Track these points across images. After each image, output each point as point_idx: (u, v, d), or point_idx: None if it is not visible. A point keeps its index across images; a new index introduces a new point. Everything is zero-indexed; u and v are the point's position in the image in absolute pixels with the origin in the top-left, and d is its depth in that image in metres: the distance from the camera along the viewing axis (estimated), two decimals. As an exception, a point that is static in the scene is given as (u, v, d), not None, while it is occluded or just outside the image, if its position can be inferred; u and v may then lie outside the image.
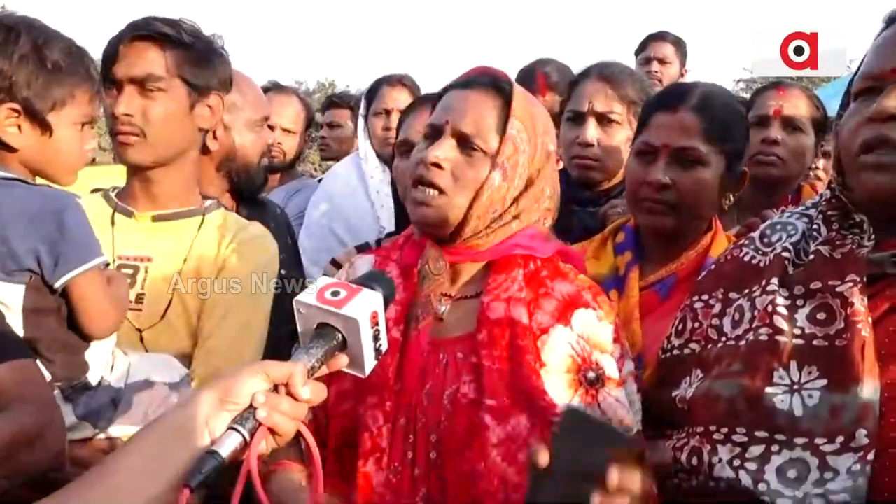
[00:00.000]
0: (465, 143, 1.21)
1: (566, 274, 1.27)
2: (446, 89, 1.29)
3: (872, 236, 1.07)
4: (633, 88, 1.96)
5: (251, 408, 0.85)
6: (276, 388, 0.88)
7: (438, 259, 1.23)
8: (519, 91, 1.23)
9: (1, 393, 1.18)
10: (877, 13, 1.13)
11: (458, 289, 1.25)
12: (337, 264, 1.85)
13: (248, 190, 2.00)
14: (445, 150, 1.20)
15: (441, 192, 1.20)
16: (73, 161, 1.42)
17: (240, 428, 0.84)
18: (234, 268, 1.62)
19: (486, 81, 1.24)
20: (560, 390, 1.15)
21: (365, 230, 2.43)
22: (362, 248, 1.89)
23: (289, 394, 0.88)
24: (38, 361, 1.30)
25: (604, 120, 1.93)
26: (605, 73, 1.97)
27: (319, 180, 3.24)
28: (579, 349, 1.18)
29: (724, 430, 1.07)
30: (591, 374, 1.17)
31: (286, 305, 1.79)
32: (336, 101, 3.68)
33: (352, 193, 2.54)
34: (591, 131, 1.93)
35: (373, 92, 2.73)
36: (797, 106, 2.22)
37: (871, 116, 1.05)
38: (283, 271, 1.96)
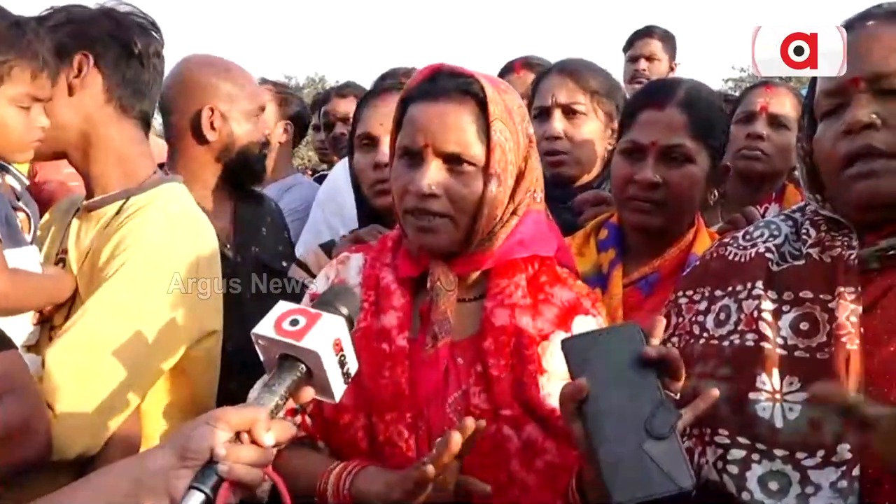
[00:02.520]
0: (451, 161, 1.16)
1: (565, 280, 1.26)
2: (408, 99, 1.22)
3: (854, 241, 1.08)
4: (596, 80, 1.96)
5: (212, 462, 0.82)
6: (238, 436, 0.84)
7: (448, 273, 1.21)
8: (489, 88, 1.18)
9: None
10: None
11: (459, 292, 1.23)
12: (302, 265, 1.84)
13: (247, 179, 1.99)
14: (434, 175, 1.16)
15: (443, 217, 1.17)
16: (17, 138, 1.37)
17: (201, 486, 0.80)
18: (113, 263, 1.38)
19: (453, 86, 1.18)
20: None
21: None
22: (327, 246, 1.87)
23: (252, 441, 0.84)
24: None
25: (569, 112, 1.93)
26: (566, 67, 1.99)
27: (318, 178, 3.24)
28: None
29: (708, 430, 1.08)
30: None
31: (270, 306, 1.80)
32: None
33: (349, 190, 2.52)
34: (557, 124, 1.93)
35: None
36: (783, 104, 2.27)
37: (846, 129, 1.06)
38: (284, 263, 1.97)
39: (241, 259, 1.91)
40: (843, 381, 0.99)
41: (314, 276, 1.71)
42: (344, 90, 3.29)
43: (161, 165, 1.96)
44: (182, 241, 1.48)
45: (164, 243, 1.44)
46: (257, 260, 1.94)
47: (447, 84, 1.18)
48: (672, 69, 3.55)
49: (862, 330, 1.02)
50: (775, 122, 2.25)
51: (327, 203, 2.50)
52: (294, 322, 0.91)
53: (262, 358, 0.95)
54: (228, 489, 0.82)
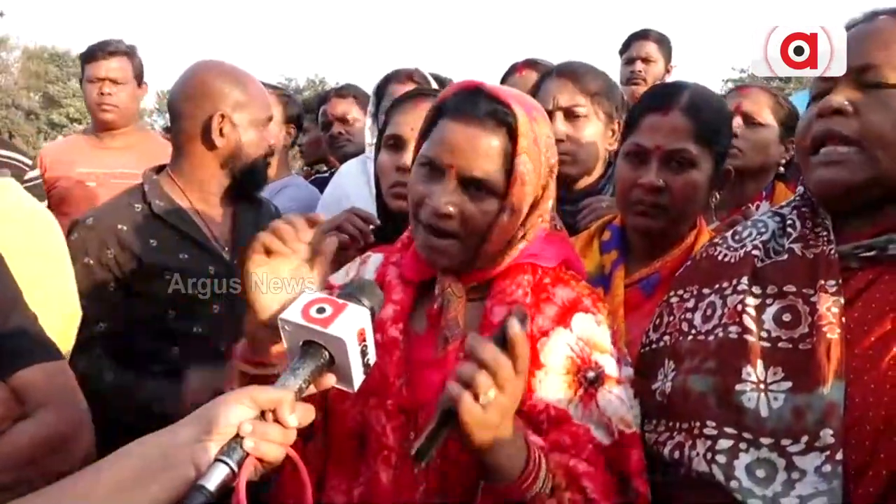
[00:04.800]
0: (471, 185, 1.17)
1: (567, 280, 1.26)
2: (441, 111, 1.22)
3: (832, 236, 1.10)
4: (595, 81, 1.98)
5: (238, 437, 0.84)
6: (262, 415, 0.87)
7: (457, 282, 1.22)
8: (522, 119, 1.17)
9: (31, 396, 1.19)
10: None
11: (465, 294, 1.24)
12: None
13: (249, 187, 2.02)
14: (452, 196, 1.17)
15: (452, 237, 1.18)
16: None
17: (227, 459, 0.82)
18: None
19: (487, 111, 1.17)
20: (559, 392, 1.14)
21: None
22: None
23: (276, 420, 0.87)
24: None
25: (570, 115, 1.95)
26: (566, 70, 2.00)
27: (315, 180, 3.21)
28: (578, 350, 1.17)
29: (697, 423, 1.10)
30: (591, 374, 1.16)
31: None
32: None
33: (357, 193, 2.48)
34: (559, 126, 1.94)
35: (382, 89, 2.70)
36: (757, 102, 2.36)
37: (818, 112, 1.09)
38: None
39: (237, 262, 1.92)
40: (825, 369, 1.01)
41: None
42: (343, 91, 3.29)
43: (163, 167, 1.99)
44: (34, 225, 1.60)
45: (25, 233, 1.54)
46: None
47: (483, 107, 1.17)
48: (668, 71, 3.59)
49: (843, 320, 1.04)
50: (749, 120, 2.34)
51: (331, 205, 2.46)
52: (321, 310, 0.94)
53: (285, 344, 0.97)
54: (251, 463, 0.84)
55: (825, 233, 1.12)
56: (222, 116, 1.88)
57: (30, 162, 2.17)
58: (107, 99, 3.04)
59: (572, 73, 1.98)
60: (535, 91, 2.06)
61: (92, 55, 3.08)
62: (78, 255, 1.82)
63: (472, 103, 1.18)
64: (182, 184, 1.95)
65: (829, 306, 1.05)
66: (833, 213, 1.13)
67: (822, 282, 1.07)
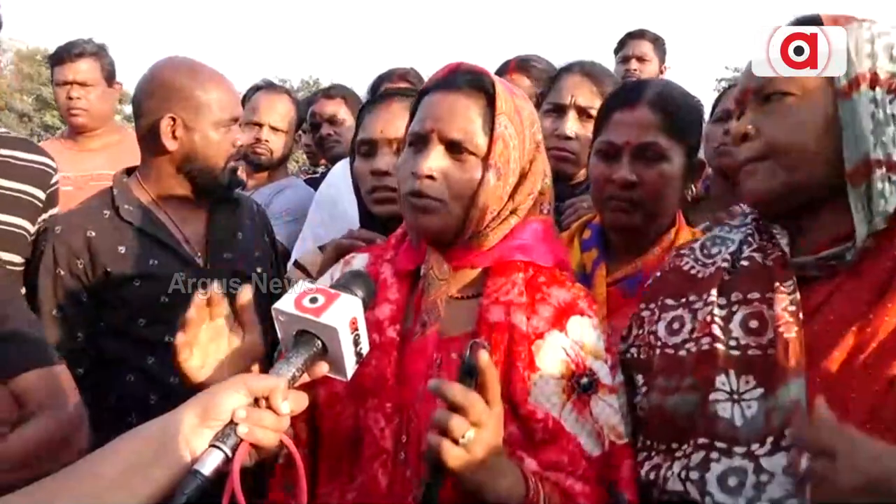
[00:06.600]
0: (454, 149, 1.19)
1: (562, 281, 1.25)
2: (423, 92, 1.26)
3: (787, 243, 1.13)
4: (612, 87, 1.96)
5: (232, 423, 0.86)
6: (256, 402, 0.89)
7: (442, 264, 1.22)
8: (501, 85, 1.21)
9: (29, 400, 1.20)
10: (876, 13, 1.16)
11: (457, 289, 1.24)
12: (300, 266, 1.82)
13: (212, 191, 1.93)
14: (436, 160, 1.18)
15: (438, 201, 1.18)
16: None
17: (221, 445, 0.84)
18: None
19: (466, 80, 1.21)
20: (553, 396, 1.14)
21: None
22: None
23: (269, 407, 0.89)
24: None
25: (584, 115, 1.96)
26: (588, 69, 2.02)
27: (308, 180, 3.19)
28: (573, 355, 1.16)
29: (676, 445, 1.09)
30: (585, 380, 1.15)
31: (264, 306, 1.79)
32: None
33: (350, 195, 2.51)
34: (572, 125, 1.95)
35: (376, 88, 2.68)
36: None
37: (731, 140, 1.16)
38: (259, 269, 1.96)
39: (210, 267, 1.88)
40: (785, 368, 1.02)
41: (311, 277, 1.70)
42: (331, 91, 3.26)
43: (132, 169, 1.95)
44: None
45: None
46: (230, 267, 1.90)
47: (461, 78, 1.22)
48: (661, 72, 3.60)
49: (801, 315, 1.05)
50: None
51: (325, 204, 2.46)
52: (313, 300, 0.96)
53: (279, 334, 0.99)
54: (245, 449, 0.86)
55: (774, 239, 1.14)
56: (173, 119, 1.82)
57: (55, 165, 2.13)
58: (75, 102, 2.98)
59: (594, 74, 2.00)
60: (550, 85, 2.08)
61: (58, 58, 3.02)
62: (49, 265, 1.80)
63: (451, 76, 1.24)
64: (149, 186, 1.90)
65: (786, 305, 1.06)
66: (785, 226, 1.15)
67: (777, 284, 1.09)
